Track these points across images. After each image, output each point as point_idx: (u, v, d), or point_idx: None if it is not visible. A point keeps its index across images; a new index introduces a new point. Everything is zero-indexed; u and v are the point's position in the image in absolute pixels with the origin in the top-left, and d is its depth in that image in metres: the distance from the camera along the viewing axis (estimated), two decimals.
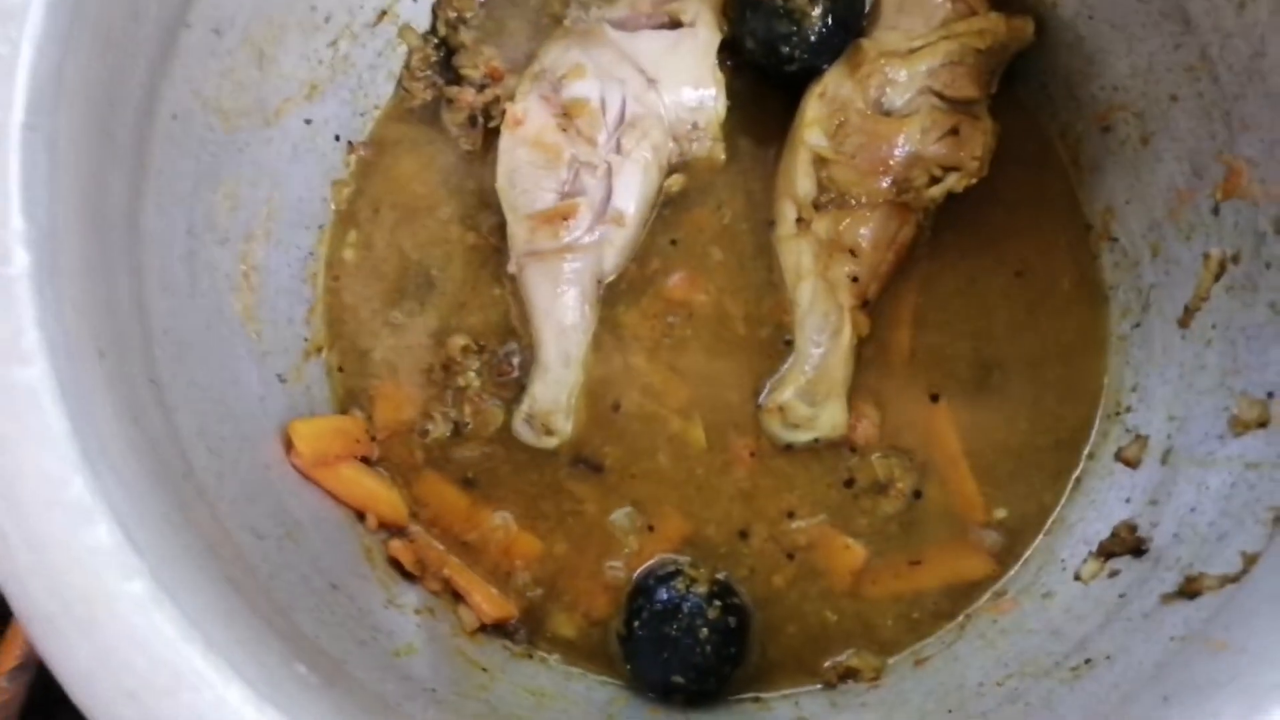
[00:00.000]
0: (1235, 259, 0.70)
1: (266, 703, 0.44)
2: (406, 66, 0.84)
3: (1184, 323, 0.74)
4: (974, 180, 0.79)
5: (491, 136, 0.82)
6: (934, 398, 0.80)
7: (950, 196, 0.80)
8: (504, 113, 0.81)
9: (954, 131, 0.79)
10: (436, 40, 0.85)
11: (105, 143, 0.55)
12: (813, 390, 0.78)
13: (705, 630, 0.72)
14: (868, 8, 0.81)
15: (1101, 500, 0.76)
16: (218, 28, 0.66)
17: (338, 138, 0.81)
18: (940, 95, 0.79)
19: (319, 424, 0.75)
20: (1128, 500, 0.74)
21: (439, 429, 0.78)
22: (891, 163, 0.78)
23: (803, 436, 0.78)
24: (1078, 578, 0.73)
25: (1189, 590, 0.62)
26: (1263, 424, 0.65)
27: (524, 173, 0.79)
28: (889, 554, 0.78)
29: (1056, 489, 0.79)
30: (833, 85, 0.80)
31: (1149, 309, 0.78)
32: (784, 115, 0.83)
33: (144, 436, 0.53)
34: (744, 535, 0.78)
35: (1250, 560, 0.58)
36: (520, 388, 0.79)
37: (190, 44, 0.63)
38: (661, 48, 0.81)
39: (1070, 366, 0.81)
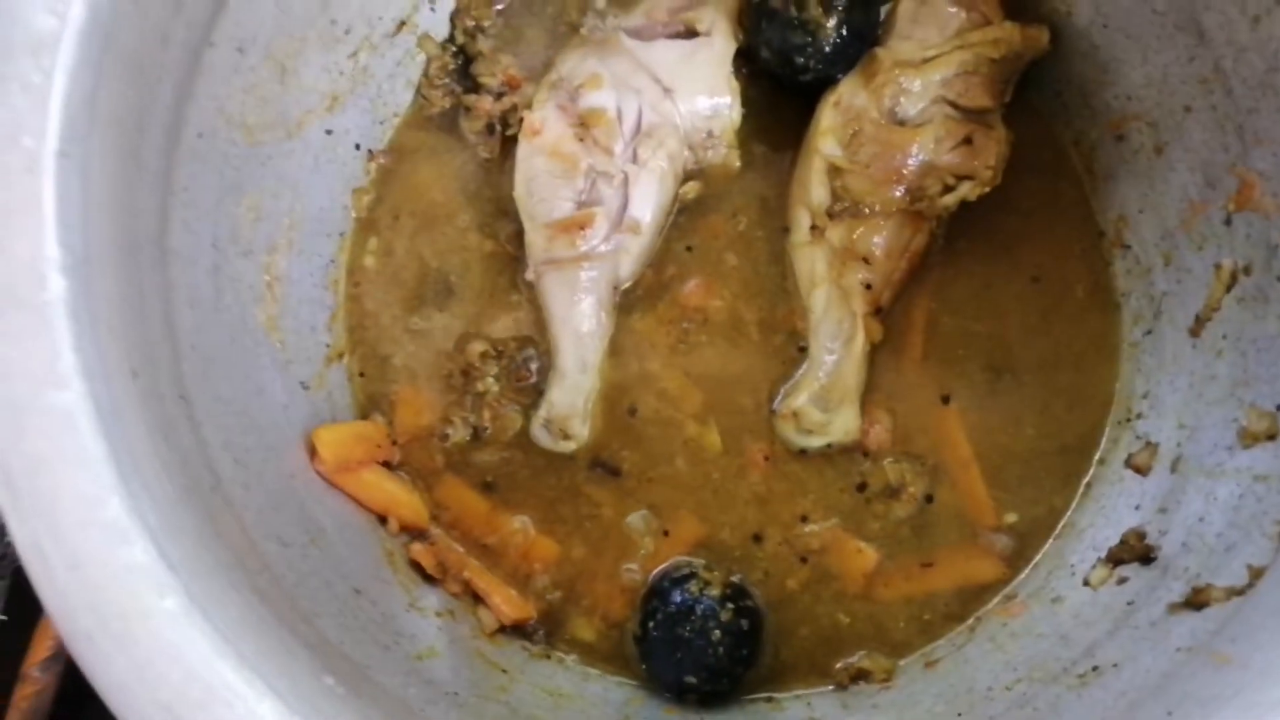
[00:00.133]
0: (1247, 270, 0.71)
1: (296, 715, 0.46)
2: (425, 75, 0.85)
3: (1195, 332, 0.75)
4: (987, 189, 0.80)
5: (509, 144, 0.84)
6: (945, 399, 0.81)
7: (964, 204, 0.80)
8: (521, 121, 0.82)
9: (968, 140, 0.79)
10: (455, 49, 0.86)
11: (135, 166, 0.56)
12: (826, 396, 0.79)
13: (718, 632, 0.73)
14: (882, 17, 0.82)
15: (1111, 506, 0.77)
16: (241, 46, 0.67)
17: (358, 146, 0.82)
18: (954, 105, 0.80)
19: (341, 430, 0.76)
20: (1137, 507, 0.75)
21: (459, 433, 0.80)
22: (905, 172, 0.79)
23: (816, 442, 0.80)
24: (1087, 583, 0.74)
25: (1196, 601, 0.63)
26: (1271, 437, 0.66)
27: (541, 182, 0.80)
28: (900, 557, 0.79)
29: (1067, 494, 0.80)
30: (847, 95, 0.80)
31: (1160, 317, 0.79)
32: (799, 122, 0.84)
33: (174, 453, 0.54)
34: (758, 539, 0.79)
35: (1256, 574, 0.59)
36: (538, 393, 0.80)
37: (214, 63, 0.64)
38: (677, 57, 0.82)
39: (1082, 372, 0.82)
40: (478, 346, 0.81)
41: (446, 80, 0.85)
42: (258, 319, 0.72)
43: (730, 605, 0.74)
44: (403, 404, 0.81)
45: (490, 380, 0.80)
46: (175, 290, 0.61)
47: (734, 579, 0.77)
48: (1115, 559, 0.73)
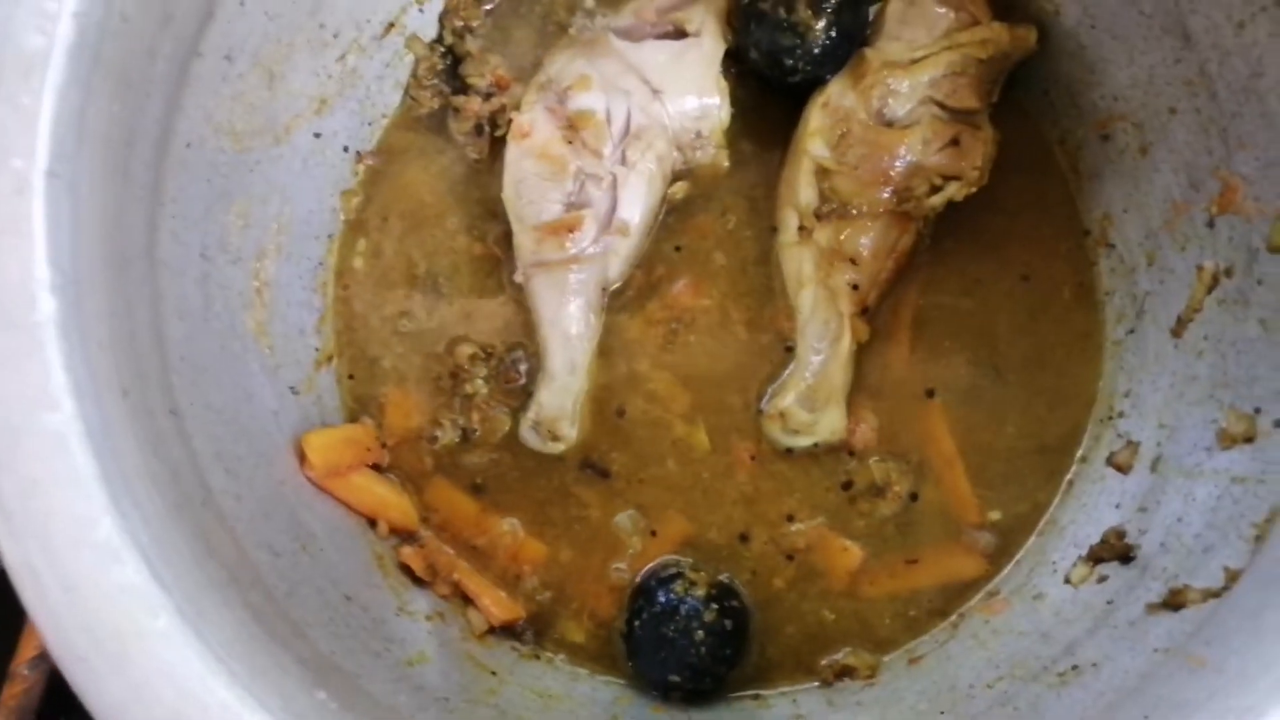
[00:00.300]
0: (1228, 273, 0.72)
1: None
2: (413, 76, 0.85)
3: (1177, 332, 0.76)
4: (974, 189, 0.80)
5: (498, 145, 0.84)
6: (930, 392, 0.82)
7: (950, 203, 0.81)
8: (510, 122, 0.82)
9: (955, 142, 0.79)
10: (443, 49, 0.85)
11: (124, 181, 0.56)
12: (813, 396, 0.80)
13: (701, 632, 0.74)
14: (871, 17, 0.82)
15: (1092, 504, 0.78)
16: (229, 54, 0.67)
17: (346, 149, 0.83)
18: (942, 105, 0.80)
19: (330, 435, 0.77)
20: (1117, 506, 0.76)
21: (448, 436, 0.81)
22: (893, 174, 0.79)
23: (803, 441, 0.80)
24: (1068, 581, 0.75)
25: (1173, 602, 0.64)
26: (1249, 439, 0.67)
27: (530, 184, 0.80)
28: (885, 555, 0.80)
29: (1049, 491, 0.81)
30: (835, 95, 0.81)
31: (1143, 316, 0.79)
32: (787, 121, 0.84)
33: (165, 468, 0.55)
34: (745, 538, 0.80)
35: (1233, 577, 0.61)
36: (527, 395, 0.81)
37: (202, 72, 0.64)
38: (666, 58, 0.82)
39: (1065, 370, 0.83)
40: (466, 349, 0.81)
41: (435, 81, 0.85)
42: (246, 325, 0.72)
43: (715, 605, 0.75)
44: (392, 406, 0.81)
45: (479, 382, 0.81)
46: (164, 302, 0.62)
47: (722, 579, 0.78)
48: (1096, 557, 0.74)
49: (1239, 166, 0.70)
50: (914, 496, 0.81)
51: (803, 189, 0.81)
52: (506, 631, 0.78)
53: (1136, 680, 0.59)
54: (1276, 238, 0.68)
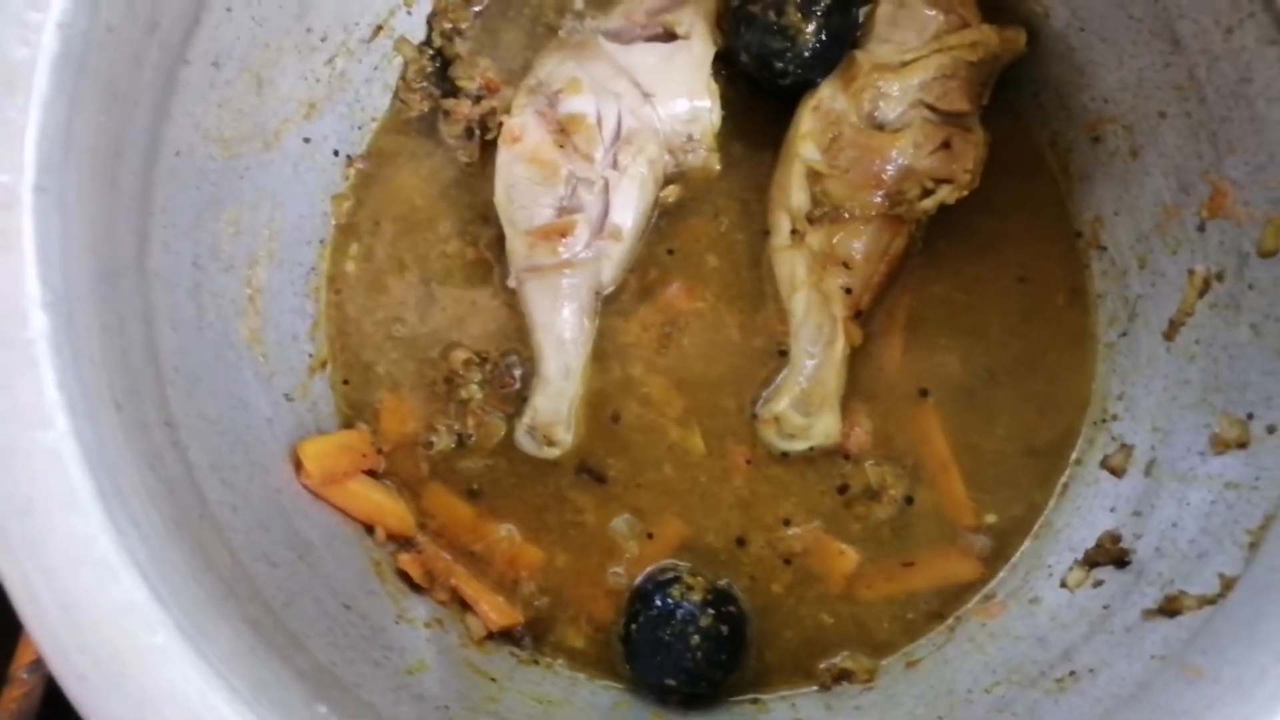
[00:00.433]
0: (1220, 277, 0.72)
1: None
2: (403, 78, 0.85)
3: (1169, 336, 0.76)
4: (965, 192, 0.80)
5: (489, 148, 0.83)
6: (923, 392, 0.82)
7: (942, 205, 0.81)
8: (500, 125, 0.82)
9: (946, 145, 0.79)
10: (432, 51, 0.85)
11: (112, 193, 0.56)
12: (807, 400, 0.80)
13: (697, 637, 0.74)
14: (861, 20, 0.82)
15: (1087, 507, 0.78)
16: (216, 60, 0.66)
17: (336, 153, 0.82)
18: (932, 108, 0.80)
19: (326, 442, 0.76)
20: (1112, 510, 0.76)
21: (443, 441, 0.80)
22: (884, 177, 0.79)
23: (798, 445, 0.80)
24: (1064, 585, 0.75)
25: (1169, 608, 0.64)
26: (1242, 445, 0.68)
27: (521, 188, 0.80)
28: (882, 559, 0.80)
29: (1044, 494, 0.81)
30: (826, 99, 0.81)
31: (1136, 319, 0.80)
32: (778, 122, 0.84)
33: (161, 483, 0.54)
34: (741, 542, 0.80)
35: (1228, 584, 0.61)
36: (521, 400, 0.81)
37: (189, 80, 0.64)
38: (656, 61, 0.82)
39: (1059, 372, 0.83)
40: (461, 354, 0.81)
41: (424, 84, 0.85)
42: (240, 333, 0.72)
43: (711, 611, 0.75)
44: (387, 412, 0.81)
45: (474, 387, 0.81)
46: (156, 313, 0.61)
47: (720, 584, 0.78)
48: (1091, 561, 0.75)
49: (1229, 171, 0.70)
50: (909, 500, 0.81)
51: (794, 192, 0.81)
52: (505, 637, 0.78)
53: (1134, 688, 0.60)
54: (1267, 242, 0.68)
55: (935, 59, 0.79)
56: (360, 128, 0.84)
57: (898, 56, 0.80)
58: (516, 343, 0.82)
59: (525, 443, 0.80)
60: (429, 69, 0.85)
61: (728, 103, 0.83)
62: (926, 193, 0.80)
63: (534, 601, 0.79)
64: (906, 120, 0.80)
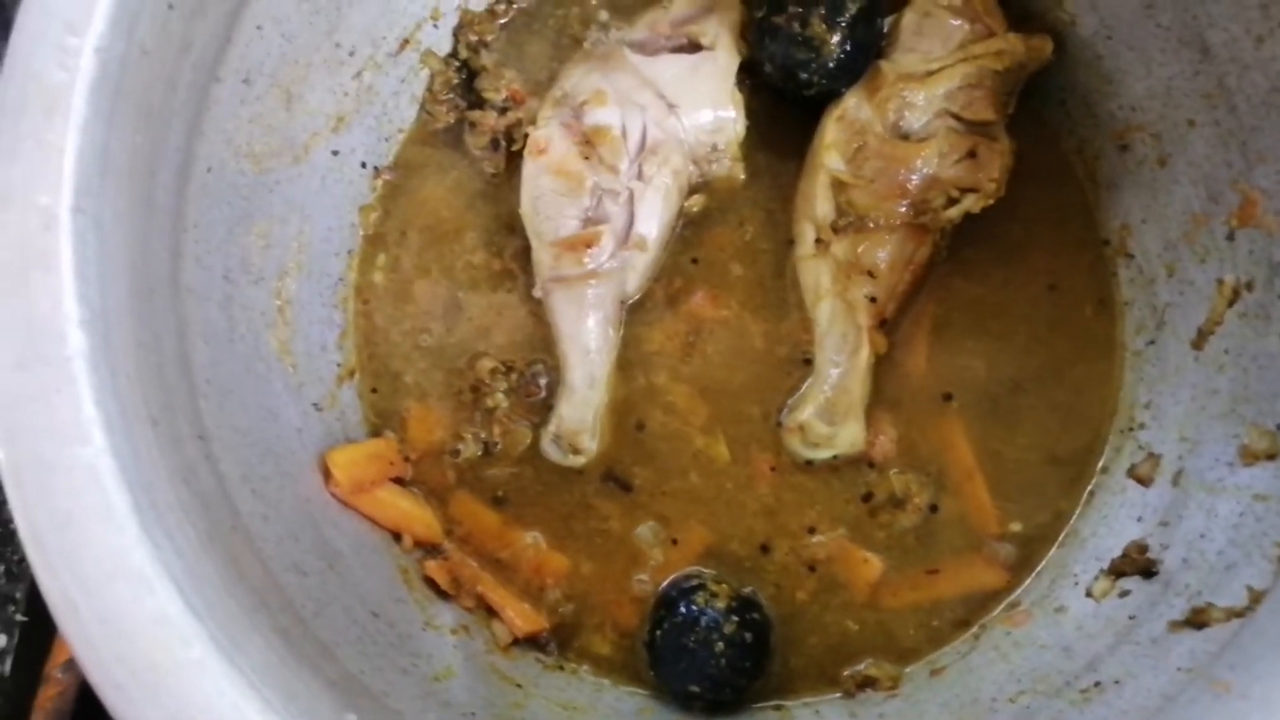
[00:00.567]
0: (1249, 287, 0.72)
1: None
2: (429, 90, 0.85)
3: (1197, 345, 0.76)
4: (991, 201, 0.80)
5: (514, 159, 0.84)
6: (947, 397, 0.82)
7: (967, 214, 0.81)
8: (526, 136, 0.82)
9: (971, 154, 0.79)
10: (458, 63, 0.86)
11: (147, 211, 0.57)
12: (831, 409, 0.80)
13: (721, 644, 0.75)
14: (886, 29, 0.82)
15: (1114, 516, 0.78)
16: (247, 77, 0.67)
17: (364, 165, 0.83)
18: (958, 117, 0.80)
19: (354, 451, 0.77)
20: (1139, 519, 0.76)
21: (470, 449, 0.81)
22: (909, 186, 0.79)
23: (822, 454, 0.81)
24: (1089, 594, 0.75)
25: (1196, 620, 0.64)
26: (1271, 456, 0.67)
27: (547, 200, 0.81)
28: (906, 567, 0.80)
29: (1070, 502, 0.81)
30: (851, 108, 0.81)
31: (1163, 327, 0.79)
32: (802, 131, 0.84)
33: (195, 496, 0.55)
34: (766, 549, 0.81)
35: (1256, 597, 0.61)
36: (547, 408, 0.81)
37: (221, 97, 0.65)
38: (681, 72, 0.82)
39: (1085, 380, 0.83)
40: (487, 363, 0.82)
41: (450, 95, 0.85)
42: (270, 345, 0.73)
43: (735, 618, 0.75)
44: (414, 421, 0.82)
45: (500, 396, 0.81)
46: (189, 327, 0.62)
47: (745, 591, 0.78)
48: (1117, 571, 0.74)
49: (1259, 180, 0.70)
50: (934, 508, 0.81)
51: (819, 202, 0.81)
52: (530, 643, 0.79)
53: (1160, 701, 0.59)
54: None
55: (960, 68, 0.79)
56: (387, 140, 0.85)
57: (923, 66, 0.80)
58: (542, 352, 0.82)
59: (551, 451, 0.81)
60: (455, 81, 0.85)
61: (752, 113, 0.83)
62: (952, 202, 0.80)
63: (559, 608, 0.80)
64: (932, 130, 0.80)
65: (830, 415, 0.80)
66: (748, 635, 0.76)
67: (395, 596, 0.73)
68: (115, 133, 0.53)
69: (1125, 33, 0.76)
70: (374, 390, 0.83)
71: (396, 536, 0.78)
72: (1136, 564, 0.73)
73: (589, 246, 0.79)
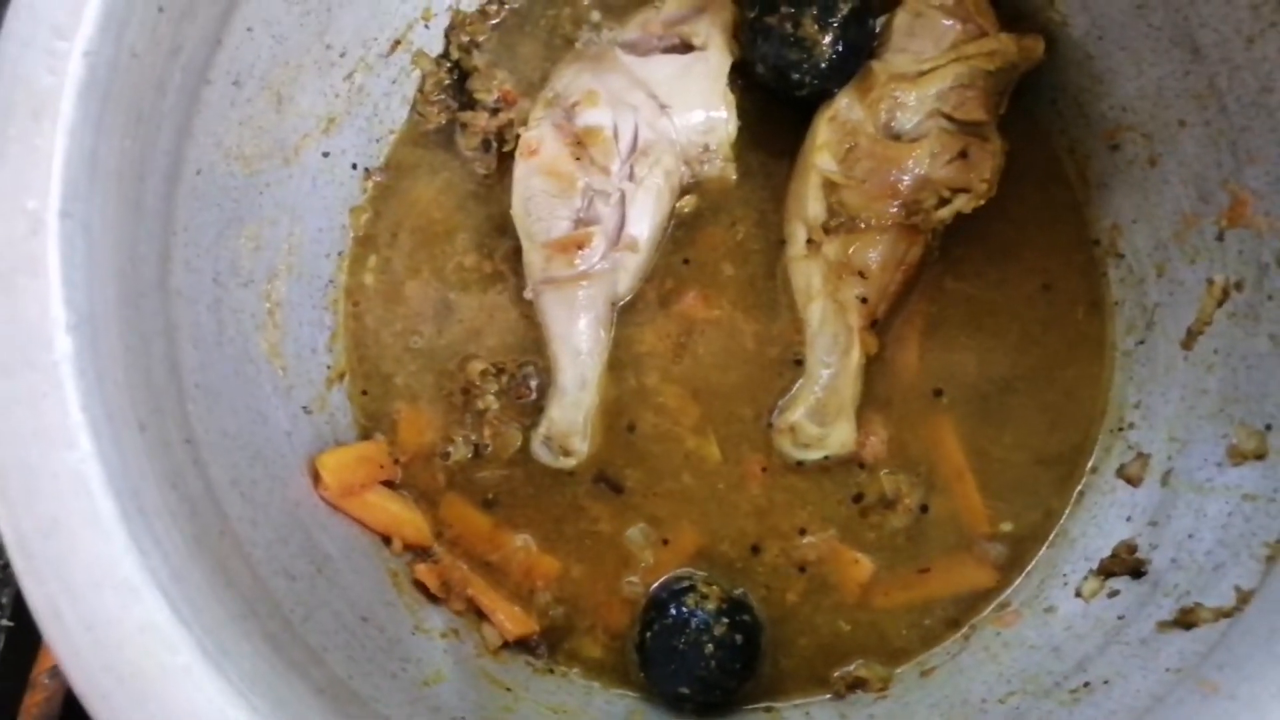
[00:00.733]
0: (1239, 287, 0.72)
1: None
2: (420, 91, 0.85)
3: (1187, 345, 0.76)
4: (982, 201, 0.80)
5: (506, 160, 0.84)
6: (937, 392, 0.82)
7: (959, 214, 0.81)
8: (518, 137, 0.82)
9: (963, 154, 0.79)
10: (450, 64, 0.85)
11: (136, 215, 0.57)
12: (822, 410, 0.80)
13: (711, 646, 0.75)
14: (878, 30, 0.82)
15: (1103, 516, 0.78)
16: (237, 79, 0.67)
17: (355, 166, 0.83)
18: (949, 118, 0.80)
19: (344, 454, 0.77)
20: (1128, 519, 0.76)
21: (460, 451, 0.81)
22: (901, 187, 0.79)
23: (813, 455, 0.81)
24: (1078, 594, 0.75)
25: (1185, 621, 0.64)
26: (1260, 456, 0.67)
27: (538, 201, 0.80)
28: (897, 567, 0.80)
29: (1060, 502, 0.81)
30: (843, 109, 0.81)
31: (1153, 327, 0.79)
32: (795, 132, 0.84)
33: (183, 501, 0.55)
34: (756, 550, 0.81)
35: (1244, 598, 0.61)
36: (538, 410, 0.81)
37: (211, 99, 0.65)
38: (673, 72, 0.82)
39: (1074, 380, 0.83)
40: (478, 365, 0.82)
41: (442, 96, 0.85)
42: (260, 347, 0.73)
43: (725, 619, 0.75)
44: (404, 423, 0.82)
45: (491, 398, 0.81)
46: (178, 331, 0.62)
47: (735, 593, 0.78)
48: (1106, 571, 0.75)
49: (1249, 180, 0.70)
50: (925, 508, 0.81)
51: (811, 202, 0.81)
52: (521, 646, 0.79)
53: (1149, 701, 0.60)
54: None
55: (952, 68, 0.79)
56: (378, 141, 0.84)
57: (915, 66, 0.80)
58: (533, 354, 0.82)
59: (541, 453, 0.81)
60: (446, 82, 0.85)
61: (744, 113, 0.83)
62: (943, 202, 0.80)
63: (550, 611, 0.79)
64: (923, 130, 0.80)
65: (821, 416, 0.80)
66: (738, 637, 0.76)
67: (385, 600, 0.73)
68: (104, 136, 0.52)
69: (1116, 33, 0.76)
70: (364, 392, 0.83)
71: (386, 540, 0.78)
72: (1125, 564, 0.73)
73: (580, 248, 0.79)
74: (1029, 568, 0.80)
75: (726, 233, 0.85)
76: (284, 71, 0.72)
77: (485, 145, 0.84)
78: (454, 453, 0.81)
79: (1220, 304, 0.73)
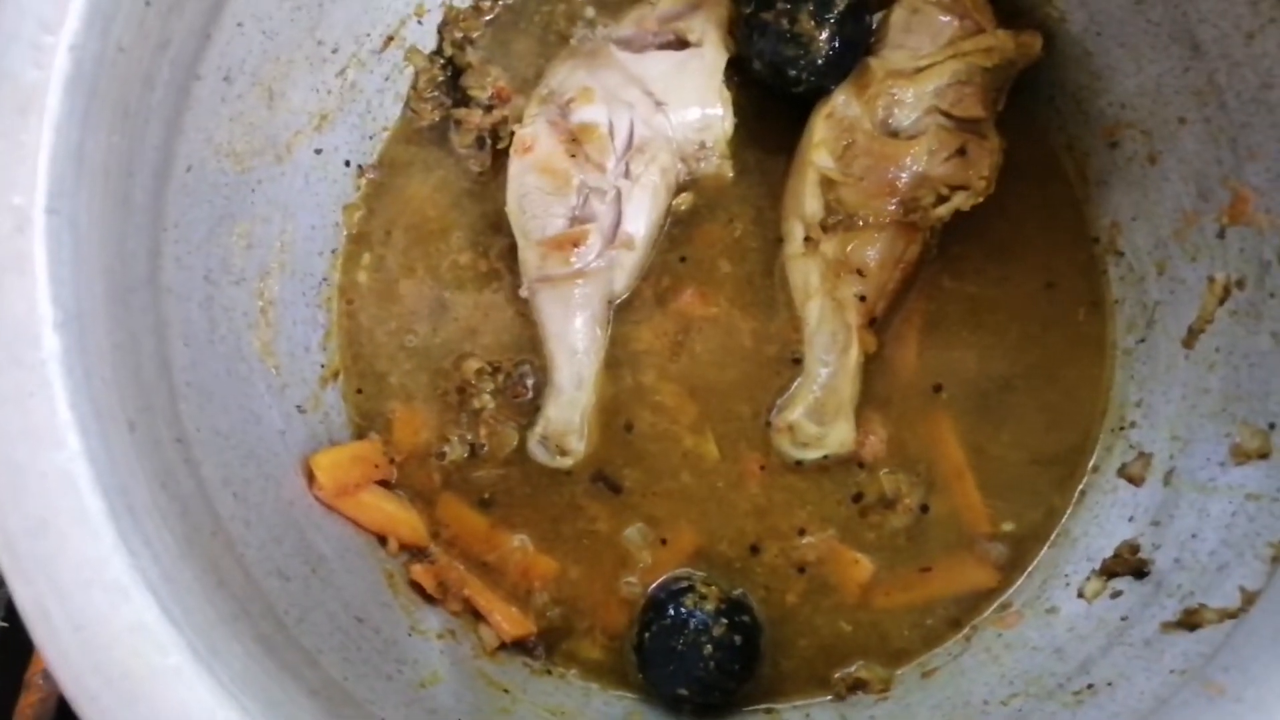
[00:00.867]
0: (1240, 285, 0.71)
1: None
2: (414, 87, 0.85)
3: (1188, 343, 0.75)
4: (980, 199, 0.79)
5: (500, 157, 0.83)
6: (937, 388, 0.81)
7: (957, 211, 0.80)
8: (512, 134, 0.81)
9: (961, 151, 0.79)
10: (443, 61, 0.85)
11: (125, 211, 0.56)
12: (821, 409, 0.79)
13: (709, 647, 0.74)
14: (875, 26, 0.81)
15: (1105, 516, 0.78)
16: (228, 75, 0.66)
17: (348, 163, 0.82)
18: (947, 114, 0.79)
19: (338, 453, 0.77)
20: (1130, 519, 0.76)
21: (456, 451, 0.80)
22: (899, 184, 0.79)
23: (812, 454, 0.80)
24: (1081, 595, 0.75)
25: (1189, 621, 0.64)
26: (1264, 455, 0.67)
27: (533, 198, 0.80)
28: (897, 567, 0.80)
29: (1061, 501, 0.81)
30: (840, 106, 0.80)
31: (1154, 325, 0.79)
32: (791, 128, 0.83)
33: (173, 501, 0.54)
34: (755, 551, 0.80)
35: (1249, 598, 0.60)
36: (534, 409, 0.81)
37: (201, 95, 0.64)
38: (669, 69, 0.81)
39: (1075, 378, 0.82)
40: (473, 363, 0.81)
41: (435, 93, 0.84)
42: (252, 346, 0.72)
43: (724, 620, 0.75)
44: (399, 422, 0.81)
45: (486, 397, 0.81)
46: (169, 328, 0.61)
47: (734, 593, 0.77)
48: (1109, 571, 0.74)
49: (1250, 177, 0.69)
50: (925, 508, 0.80)
51: (808, 200, 0.80)
52: (518, 648, 0.78)
53: (1153, 703, 0.59)
54: None
55: (950, 65, 0.79)
56: (372, 138, 0.84)
57: (912, 63, 0.79)
58: (529, 352, 0.82)
59: (538, 452, 0.80)
60: (440, 78, 0.84)
61: (740, 110, 0.82)
62: (941, 199, 0.79)
63: (547, 611, 0.79)
64: (921, 127, 0.79)
65: (820, 415, 0.79)
66: (737, 638, 0.75)
67: (380, 601, 0.73)
68: (90, 132, 0.52)
69: (1115, 29, 0.76)
70: (359, 391, 0.82)
71: (382, 540, 0.77)
72: (1128, 564, 0.72)
73: (576, 245, 0.79)
74: (1030, 568, 0.80)
75: (724, 230, 0.84)
76: (275, 67, 0.71)
77: (479, 142, 0.84)
78: (450, 452, 0.80)
79: (1222, 302, 0.73)
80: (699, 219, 0.84)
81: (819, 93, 0.81)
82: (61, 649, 0.46)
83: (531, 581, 0.79)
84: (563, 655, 0.79)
